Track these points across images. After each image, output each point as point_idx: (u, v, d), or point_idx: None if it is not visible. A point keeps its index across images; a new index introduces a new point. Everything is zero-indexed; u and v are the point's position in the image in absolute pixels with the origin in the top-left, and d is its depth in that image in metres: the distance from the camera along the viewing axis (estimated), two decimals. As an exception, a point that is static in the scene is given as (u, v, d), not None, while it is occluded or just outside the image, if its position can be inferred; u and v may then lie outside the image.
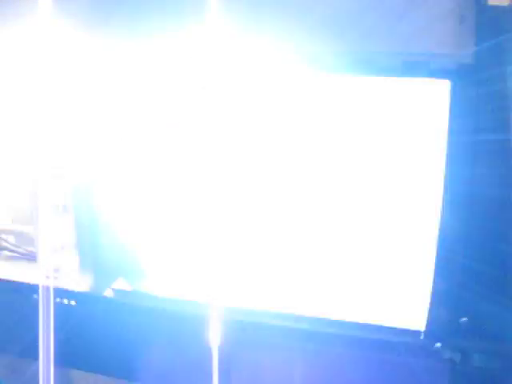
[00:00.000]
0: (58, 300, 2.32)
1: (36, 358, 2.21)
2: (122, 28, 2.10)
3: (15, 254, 2.68)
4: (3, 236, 2.71)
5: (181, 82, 2.25)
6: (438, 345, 2.03)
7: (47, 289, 2.26)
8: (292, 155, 2.24)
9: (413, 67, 1.90)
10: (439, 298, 2.01)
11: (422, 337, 2.05)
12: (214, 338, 2.11)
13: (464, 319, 2.00)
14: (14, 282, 2.52)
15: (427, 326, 2.04)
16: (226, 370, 2.11)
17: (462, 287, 1.98)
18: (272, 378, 2.24)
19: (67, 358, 2.23)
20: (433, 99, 2.21)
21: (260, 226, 2.31)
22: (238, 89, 2.24)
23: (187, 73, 2.23)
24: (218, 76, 2.14)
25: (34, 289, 2.30)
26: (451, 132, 1.87)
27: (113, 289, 2.42)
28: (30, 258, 2.57)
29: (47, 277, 2.32)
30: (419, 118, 2.21)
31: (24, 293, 2.41)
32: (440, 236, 1.95)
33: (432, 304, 2.02)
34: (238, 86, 2.24)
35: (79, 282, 2.41)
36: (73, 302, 2.42)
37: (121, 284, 2.43)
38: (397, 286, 2.24)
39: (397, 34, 1.82)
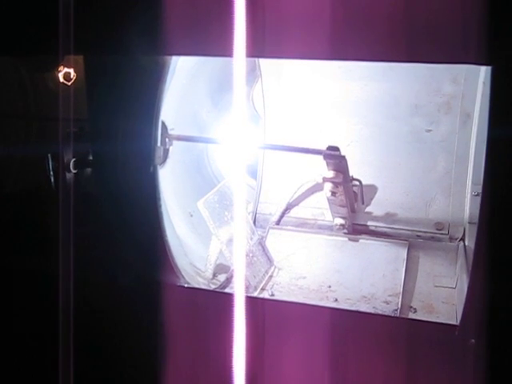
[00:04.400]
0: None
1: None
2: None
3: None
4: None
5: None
6: (473, 341, 1.98)
7: (68, 280, 2.23)
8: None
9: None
10: (475, 294, 1.96)
11: (456, 332, 2.00)
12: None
13: (500, 316, 1.95)
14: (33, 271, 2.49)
15: (462, 321, 1.99)
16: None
17: (498, 283, 1.92)
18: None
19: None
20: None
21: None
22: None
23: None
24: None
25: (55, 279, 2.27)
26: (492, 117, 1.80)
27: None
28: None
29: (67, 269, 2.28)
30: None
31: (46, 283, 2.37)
32: (478, 229, 1.90)
33: (467, 299, 1.96)
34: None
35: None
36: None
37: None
38: (433, 281, 2.20)
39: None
